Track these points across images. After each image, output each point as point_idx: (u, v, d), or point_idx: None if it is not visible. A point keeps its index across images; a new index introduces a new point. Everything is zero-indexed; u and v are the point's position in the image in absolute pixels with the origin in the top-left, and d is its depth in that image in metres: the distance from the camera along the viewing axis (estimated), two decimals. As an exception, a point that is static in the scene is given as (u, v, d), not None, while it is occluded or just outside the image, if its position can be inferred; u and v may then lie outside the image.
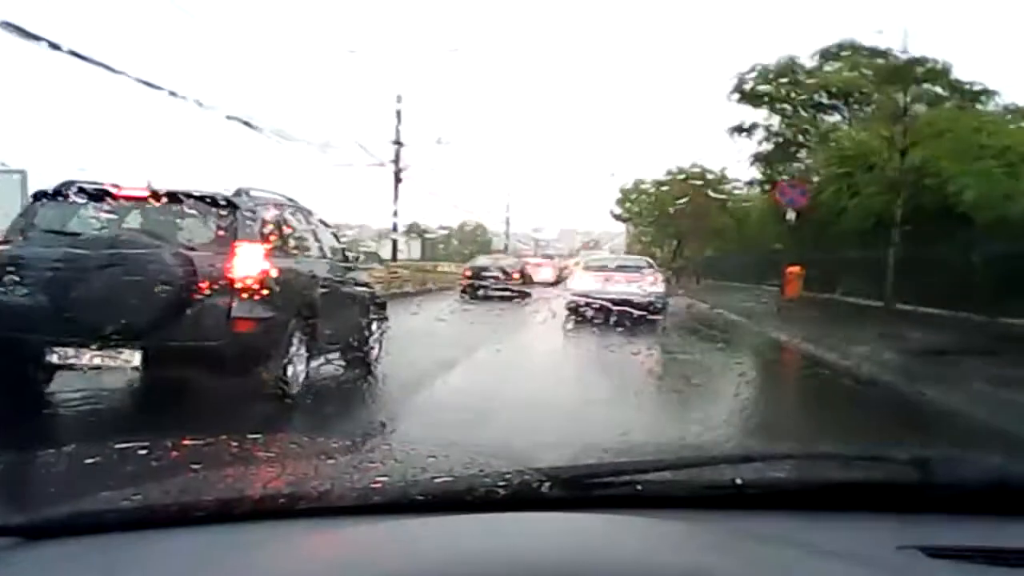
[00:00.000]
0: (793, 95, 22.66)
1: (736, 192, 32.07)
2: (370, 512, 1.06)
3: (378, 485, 1.11)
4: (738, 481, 1.16)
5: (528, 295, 22.27)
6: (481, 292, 21.52)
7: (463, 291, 21.89)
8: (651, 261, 17.35)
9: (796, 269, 18.63)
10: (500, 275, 21.96)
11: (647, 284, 14.52)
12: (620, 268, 15.42)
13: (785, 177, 22.16)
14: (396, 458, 1.26)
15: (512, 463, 1.16)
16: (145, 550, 0.98)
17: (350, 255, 7.36)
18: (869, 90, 20.48)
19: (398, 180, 22.52)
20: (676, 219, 34.69)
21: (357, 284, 7.23)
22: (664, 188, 35.52)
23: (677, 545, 0.95)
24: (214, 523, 1.03)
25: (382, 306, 7.86)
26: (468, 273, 22.65)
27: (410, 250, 50.01)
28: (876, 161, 16.44)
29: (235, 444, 1.42)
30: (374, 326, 7.42)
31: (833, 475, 1.27)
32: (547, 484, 1.10)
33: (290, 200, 6.51)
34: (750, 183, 27.03)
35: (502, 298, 21.22)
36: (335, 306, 6.35)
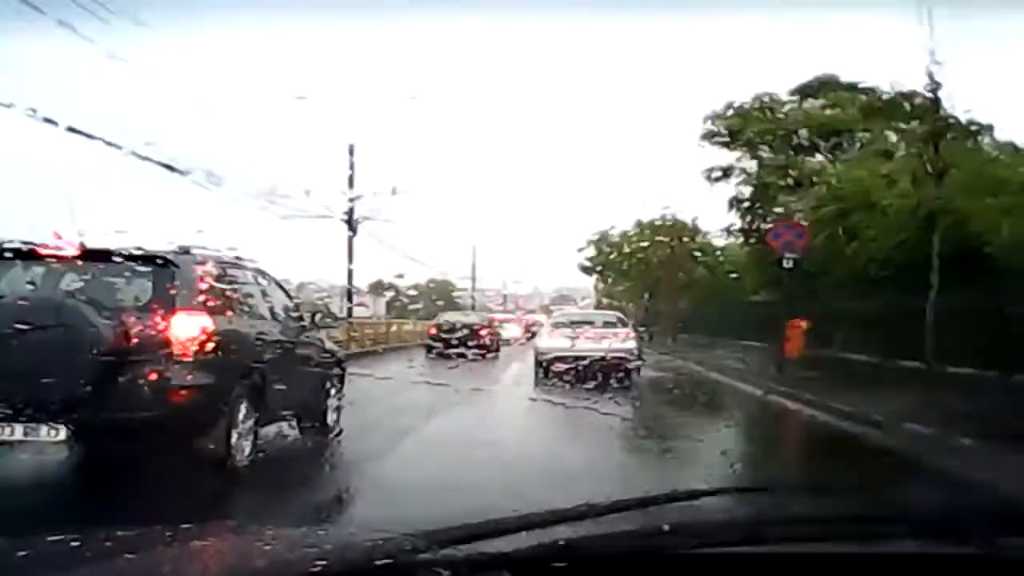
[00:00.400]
0: (771, 136, 21.66)
1: (712, 241, 32.12)
2: None
3: (316, 570, 1.05)
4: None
5: (496, 352, 22.33)
6: (448, 350, 21.06)
7: (428, 349, 21.63)
8: (622, 316, 17.06)
9: (802, 323, 15.95)
10: (467, 332, 21.80)
11: (619, 340, 14.21)
12: (590, 324, 15.20)
13: (768, 223, 21.33)
14: (334, 543, 1.19)
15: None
16: None
17: (310, 314, 7.27)
18: (855, 128, 19.98)
19: (352, 232, 22.12)
20: (647, 271, 34.76)
21: (312, 345, 7.06)
22: (632, 237, 35.55)
23: None
24: None
25: (341, 368, 7.67)
26: (433, 331, 22.39)
27: (375, 307, 49.44)
28: (876, 200, 15.01)
29: (169, 534, 1.35)
30: (332, 390, 7.25)
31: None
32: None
33: (237, 258, 6.35)
34: (727, 230, 25.54)
35: (470, 356, 20.79)
36: (287, 370, 6.16)
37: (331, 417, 7.18)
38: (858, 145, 20.53)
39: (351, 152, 22.74)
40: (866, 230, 14.81)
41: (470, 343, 21.25)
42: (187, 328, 4.87)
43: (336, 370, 7.44)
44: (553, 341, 14.34)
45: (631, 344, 14.26)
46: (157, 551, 1.26)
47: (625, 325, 15.30)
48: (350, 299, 22.26)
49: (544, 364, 13.75)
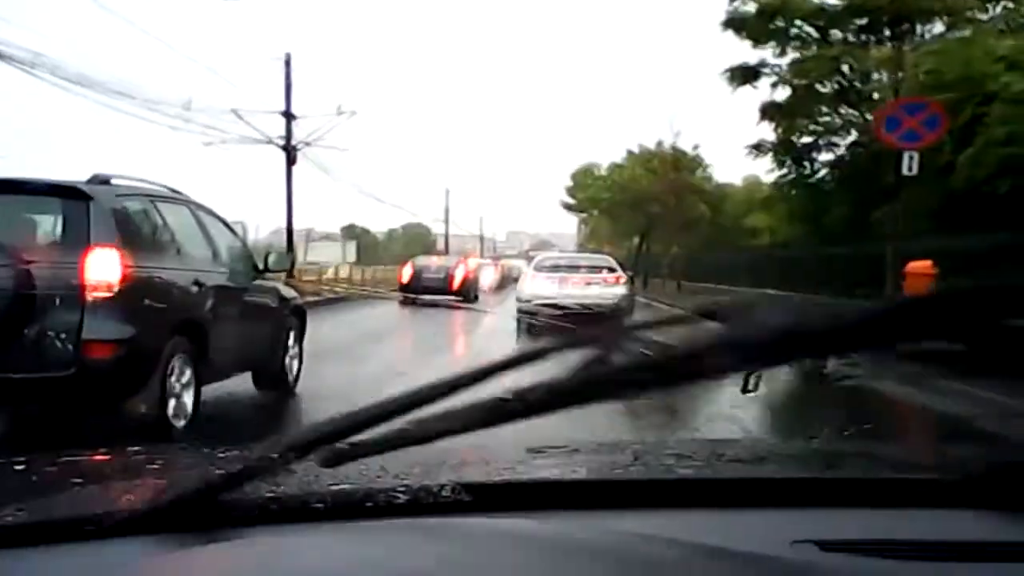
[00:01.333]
0: (818, 18, 17.51)
1: (711, 171, 32.22)
2: (265, 522, 1.06)
3: (272, 495, 1.09)
4: (635, 476, 1.27)
5: (474, 299, 21.97)
6: (421, 296, 20.59)
7: (402, 293, 21.29)
8: (611, 259, 16.33)
9: (924, 265, 10.40)
10: (443, 277, 21.42)
11: (609, 286, 13.91)
12: (577, 268, 14.58)
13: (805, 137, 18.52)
14: (291, 468, 1.15)
15: (419, 474, 1.18)
16: (30, 567, 1.00)
17: (264, 256, 6.84)
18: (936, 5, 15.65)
19: (290, 159, 20.87)
20: (639, 207, 33.42)
21: (267, 292, 6.69)
22: (622, 169, 34.32)
23: (560, 546, 0.95)
24: (99, 538, 1.04)
25: (300, 317, 7.33)
26: (404, 276, 21.86)
27: (345, 253, 49.14)
28: (998, 88, 11.98)
29: (120, 457, 1.49)
30: (291, 342, 6.92)
31: (727, 470, 1.35)
32: (447, 488, 1.13)
33: (171, 191, 5.84)
34: (756, 147, 20.82)
35: (444, 305, 20.34)
36: (235, 320, 5.83)
37: (292, 372, 6.90)
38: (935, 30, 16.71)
39: (287, 63, 21.36)
40: (995, 128, 11.52)
41: (446, 290, 20.89)
42: (104, 270, 4.33)
43: (294, 320, 7.09)
44: (536, 286, 13.90)
45: (623, 290, 14.00)
46: (107, 475, 1.35)
47: (615, 270, 14.78)
48: (290, 241, 21.07)
49: (526, 312, 13.33)
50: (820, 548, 1.04)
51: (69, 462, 1.38)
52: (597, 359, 0.87)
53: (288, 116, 20.70)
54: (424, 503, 1.10)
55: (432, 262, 22.91)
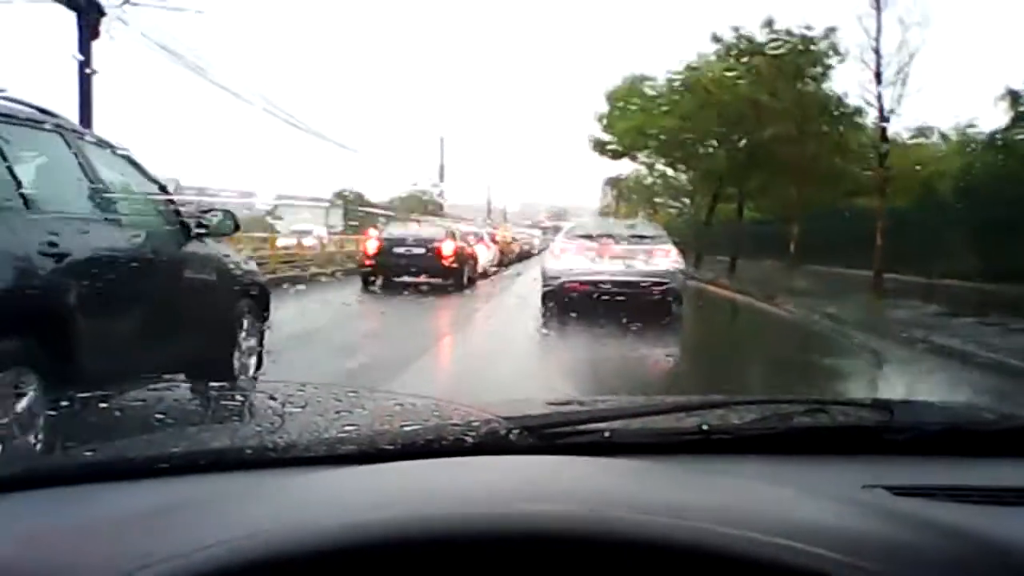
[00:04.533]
0: None
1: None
2: (339, 462, 1.32)
3: (346, 434, 1.45)
4: (704, 427, 1.53)
5: (467, 281, 20.30)
6: (395, 277, 19.20)
7: (365, 279, 19.56)
8: (658, 227, 16.68)
9: None
10: (423, 252, 19.31)
11: (657, 259, 13.69)
12: (617, 238, 14.33)
13: None
14: (363, 407, 1.58)
15: (479, 412, 1.51)
16: (111, 501, 1.22)
17: (213, 218, 6.17)
18: None
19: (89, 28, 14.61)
20: (732, 133, 26.49)
21: (205, 264, 6.17)
22: (698, 72, 25.92)
23: (643, 482, 1.19)
24: (181, 475, 1.30)
25: (260, 297, 6.84)
26: (371, 249, 19.67)
27: (328, 219, 49.33)
28: None
29: (200, 395, 2.35)
30: (244, 331, 6.44)
31: (798, 421, 1.61)
32: (515, 432, 1.42)
33: (29, 108, 4.82)
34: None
35: (425, 287, 18.90)
36: (134, 304, 5.11)
37: (249, 373, 6.38)
38: None
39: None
40: None
41: (430, 269, 19.26)
42: None
43: (249, 303, 6.60)
44: (567, 260, 13.66)
45: (676, 266, 13.92)
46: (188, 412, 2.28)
47: (664, 241, 14.58)
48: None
49: (555, 291, 13.21)
50: (890, 492, 1.28)
51: (153, 398, 2.15)
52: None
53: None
54: (497, 445, 1.39)
55: (409, 231, 20.66)
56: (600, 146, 32.43)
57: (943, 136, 26.42)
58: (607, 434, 1.46)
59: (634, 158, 34.07)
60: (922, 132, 25.24)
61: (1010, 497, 1.27)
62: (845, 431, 1.56)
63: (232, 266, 6.60)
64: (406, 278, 19.08)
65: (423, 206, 53.64)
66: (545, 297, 13.57)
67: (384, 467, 1.22)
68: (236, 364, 6.22)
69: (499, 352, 10.16)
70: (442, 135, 54.29)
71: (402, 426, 1.43)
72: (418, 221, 23.59)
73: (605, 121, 31.30)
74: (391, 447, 1.35)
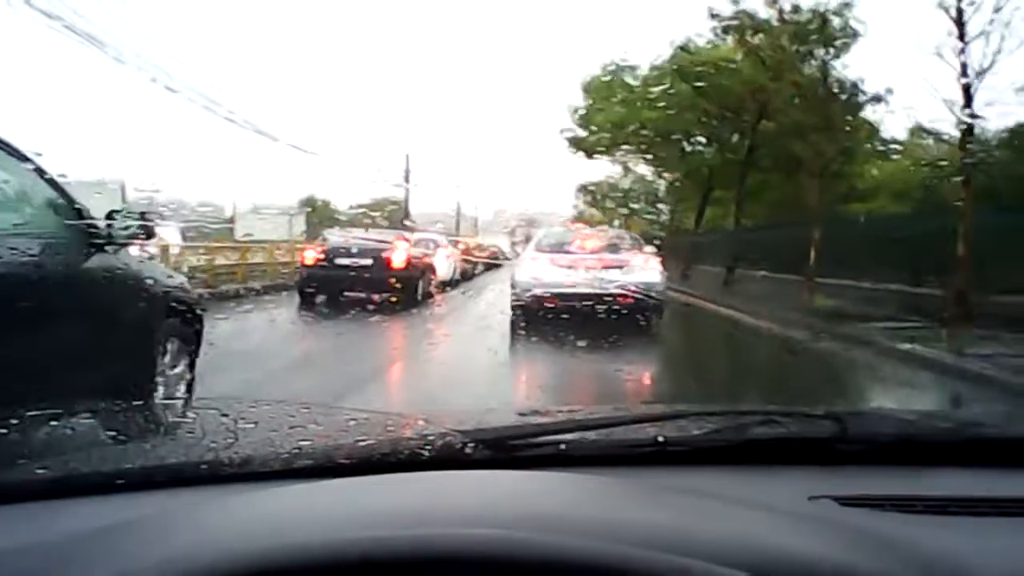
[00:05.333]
0: None
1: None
2: (294, 476, 1.39)
3: (300, 449, 1.49)
4: (660, 439, 1.61)
5: (421, 296, 18.48)
6: (336, 294, 17.40)
7: (303, 294, 17.72)
8: (635, 235, 16.81)
9: None
10: (370, 263, 17.32)
11: (637, 270, 13.41)
12: (593, 246, 14.16)
13: None
14: (317, 422, 1.63)
15: (435, 426, 1.61)
16: (65, 518, 1.27)
17: (123, 222, 5.45)
18: None
19: None
20: (722, 134, 24.76)
21: (109, 279, 5.48)
22: (687, 59, 23.53)
23: (598, 498, 1.27)
24: (138, 491, 1.36)
25: (189, 314, 6.22)
26: (309, 260, 17.87)
27: (292, 227, 49.50)
28: None
29: (152, 412, 2.35)
30: (168, 357, 5.87)
31: (752, 432, 1.70)
32: (471, 445, 1.50)
33: None
34: None
35: (373, 304, 16.82)
36: (23, 328, 4.51)
37: (176, 396, 5.86)
38: None
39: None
40: None
41: (377, 282, 17.14)
42: None
43: (174, 324, 6.04)
44: (538, 270, 13.35)
45: (657, 277, 13.66)
46: (141, 429, 1.95)
47: (644, 249, 14.48)
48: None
49: (524, 305, 12.89)
50: (838, 503, 1.37)
51: (105, 414, 1.93)
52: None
53: None
54: (452, 459, 1.47)
55: (353, 239, 18.61)
56: (576, 143, 30.28)
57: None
58: (563, 447, 1.57)
59: (612, 157, 31.97)
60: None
61: (954, 507, 1.38)
62: (797, 442, 1.66)
63: (151, 281, 6.08)
64: (351, 293, 17.15)
65: (388, 213, 53.12)
66: (515, 311, 13.18)
67: (339, 483, 1.31)
68: (160, 393, 5.74)
69: (454, 384, 8.50)
70: (408, 146, 56.21)
71: (357, 440, 1.53)
72: (365, 227, 20.85)
73: (582, 115, 29.13)
74: (346, 461, 1.45)
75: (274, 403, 1.75)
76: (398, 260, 17.48)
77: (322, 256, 17.42)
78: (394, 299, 16.81)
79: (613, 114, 26.58)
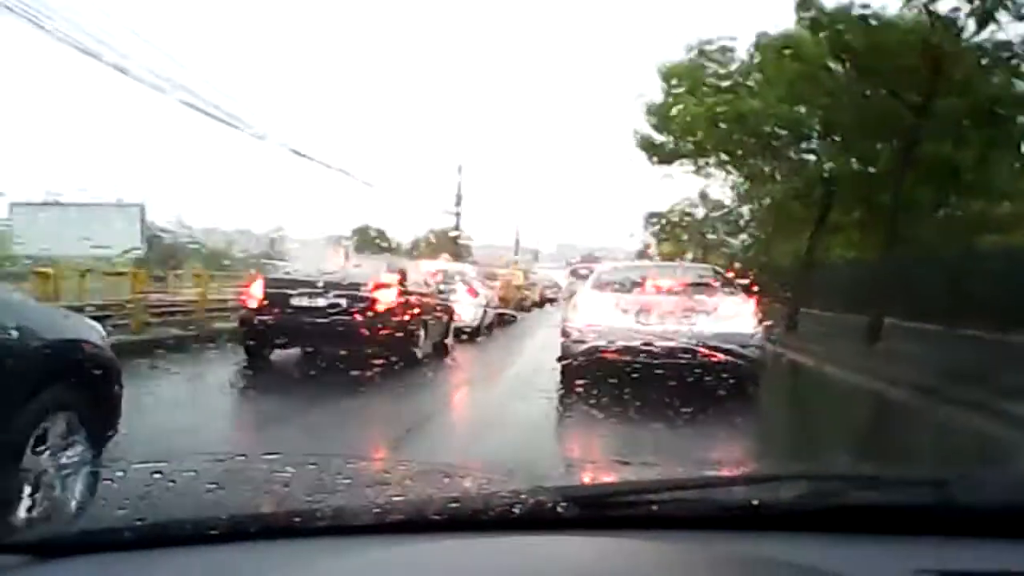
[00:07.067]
0: None
1: None
2: (385, 531, 1.44)
3: (392, 504, 1.54)
4: (754, 502, 1.59)
5: (421, 355, 13.45)
6: (288, 344, 12.79)
7: (248, 347, 12.74)
8: (720, 270, 13.71)
9: None
10: (339, 308, 12.12)
11: (736, 318, 10.83)
12: (669, 285, 11.80)
13: None
14: (411, 478, 1.69)
15: (527, 483, 1.59)
16: (157, 568, 1.36)
17: None
18: None
19: None
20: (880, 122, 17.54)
21: None
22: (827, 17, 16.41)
23: (691, 568, 1.33)
24: (228, 542, 1.41)
25: (95, 382, 5.23)
26: (252, 302, 12.50)
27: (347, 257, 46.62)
28: None
29: (254, 463, 1.96)
30: (56, 434, 4.87)
31: (851, 497, 1.66)
32: (563, 504, 1.49)
33: None
34: None
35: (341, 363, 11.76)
36: None
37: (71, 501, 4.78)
38: None
39: None
40: None
41: (343, 331, 12.08)
42: None
43: (60, 389, 4.95)
44: (598, 312, 11.06)
45: (757, 326, 11.01)
46: (237, 480, 1.85)
47: (736, 290, 11.83)
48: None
49: (578, 356, 10.66)
50: None
51: (204, 467, 1.87)
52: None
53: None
54: (543, 519, 1.46)
55: (317, 273, 12.87)
56: (649, 146, 23.83)
57: None
58: (655, 507, 1.56)
59: (697, 165, 24.95)
60: None
61: None
62: (901, 510, 1.58)
63: (22, 333, 4.88)
64: (314, 348, 12.42)
65: (446, 246, 50.63)
66: (564, 373, 10.89)
67: (430, 543, 1.38)
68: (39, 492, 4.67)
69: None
70: (461, 163, 51.99)
71: (450, 498, 1.52)
72: (345, 252, 15.05)
73: (658, 110, 22.54)
74: (438, 517, 1.46)
75: (353, 458, 1.80)
76: (386, 300, 12.37)
77: (268, 294, 12.20)
78: (381, 359, 11.46)
79: (698, 105, 20.30)
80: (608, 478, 1.82)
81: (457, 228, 54.06)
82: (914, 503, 1.59)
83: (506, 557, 1.27)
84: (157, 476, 1.68)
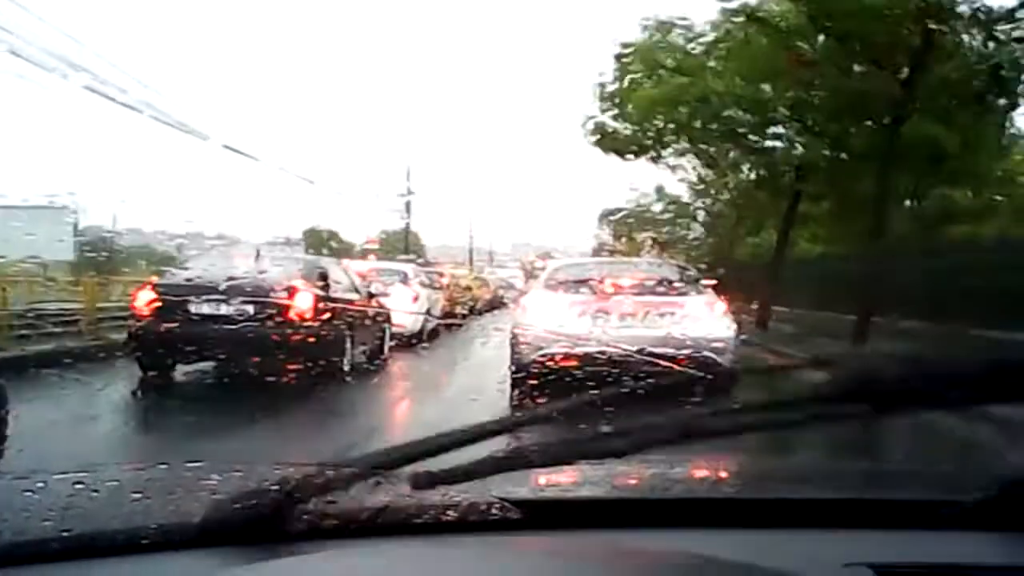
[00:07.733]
0: None
1: None
2: (318, 537, 1.38)
3: (324, 510, 1.43)
4: (690, 495, 1.66)
5: (350, 368, 11.84)
6: (184, 359, 11.07)
7: (140, 361, 10.96)
8: (687, 268, 13.03)
9: None
10: (249, 310, 10.50)
11: (704, 319, 10.04)
12: (629, 282, 10.69)
13: None
14: (343, 483, 1.53)
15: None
16: None
17: None
18: None
19: None
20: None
21: None
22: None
23: (622, 568, 1.28)
24: (159, 551, 1.35)
25: None
26: (144, 303, 10.81)
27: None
28: None
29: (178, 472, 1.82)
30: None
31: (784, 491, 1.68)
32: (496, 506, 1.45)
33: None
34: None
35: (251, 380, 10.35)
36: None
37: None
38: None
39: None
40: None
41: (250, 343, 10.46)
42: None
43: None
44: (551, 315, 10.10)
45: (728, 327, 10.20)
46: (165, 488, 1.68)
47: (702, 288, 11.04)
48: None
49: (528, 365, 9.65)
50: (873, 571, 1.30)
51: (129, 476, 1.82)
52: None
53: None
54: (474, 521, 1.43)
55: (222, 277, 11.07)
56: (605, 136, 21.75)
57: None
58: (598, 507, 1.58)
59: (657, 155, 23.06)
60: None
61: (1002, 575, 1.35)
62: (833, 503, 1.59)
63: None
64: (216, 362, 10.83)
65: (399, 248, 49.89)
66: (514, 364, 9.90)
67: (354, 549, 1.36)
68: None
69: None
70: (409, 166, 51.33)
71: (382, 501, 1.48)
72: (257, 250, 13.23)
73: (612, 95, 20.81)
74: (372, 522, 1.43)
75: (295, 465, 1.54)
76: (302, 305, 10.72)
77: (164, 302, 10.54)
78: (298, 374, 10.02)
79: (660, 87, 18.55)
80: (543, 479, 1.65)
81: (407, 229, 53.17)
82: (846, 496, 1.61)
83: (438, 562, 1.26)
84: (79, 487, 1.63)
